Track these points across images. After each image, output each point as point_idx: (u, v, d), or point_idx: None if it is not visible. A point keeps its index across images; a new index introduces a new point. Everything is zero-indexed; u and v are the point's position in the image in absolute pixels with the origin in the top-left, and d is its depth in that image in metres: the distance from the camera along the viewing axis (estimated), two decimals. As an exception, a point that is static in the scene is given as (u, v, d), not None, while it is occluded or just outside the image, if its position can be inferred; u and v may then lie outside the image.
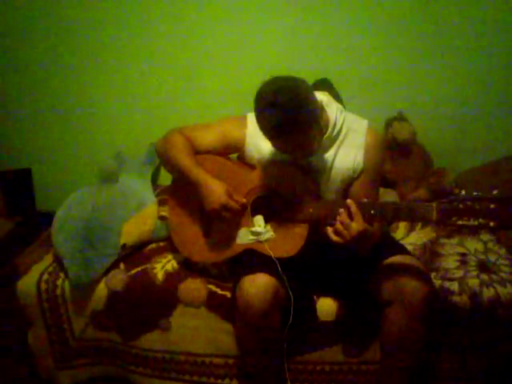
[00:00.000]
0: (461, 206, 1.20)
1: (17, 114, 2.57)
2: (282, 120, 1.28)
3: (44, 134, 2.57)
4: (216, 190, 1.48)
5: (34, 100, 2.52)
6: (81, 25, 2.37)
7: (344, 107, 1.58)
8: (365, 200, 1.35)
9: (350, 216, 1.31)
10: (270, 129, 1.33)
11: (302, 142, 1.36)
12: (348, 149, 1.50)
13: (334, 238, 1.33)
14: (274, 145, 1.42)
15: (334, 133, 1.48)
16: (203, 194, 1.50)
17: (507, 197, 1.17)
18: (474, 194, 1.20)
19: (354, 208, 1.31)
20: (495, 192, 1.18)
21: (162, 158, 1.64)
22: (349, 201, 1.33)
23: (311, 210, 1.45)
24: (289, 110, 1.28)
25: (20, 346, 1.80)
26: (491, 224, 1.18)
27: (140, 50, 2.37)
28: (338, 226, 1.32)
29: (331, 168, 1.50)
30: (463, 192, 1.21)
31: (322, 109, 1.43)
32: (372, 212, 1.33)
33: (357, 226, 1.30)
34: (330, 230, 1.33)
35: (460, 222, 1.20)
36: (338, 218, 1.32)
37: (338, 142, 1.50)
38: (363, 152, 1.49)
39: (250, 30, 2.30)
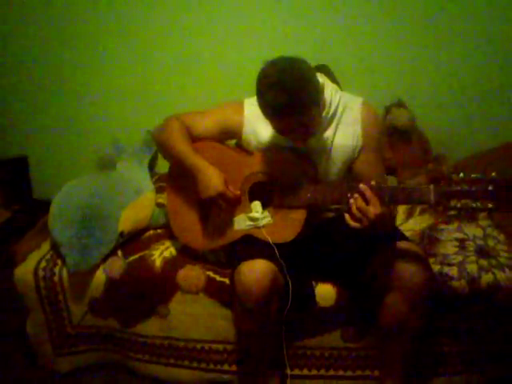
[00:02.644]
0: (459, 188, 1.20)
1: (12, 102, 2.56)
2: (285, 101, 1.27)
3: (40, 122, 2.56)
4: (213, 178, 1.47)
5: (30, 88, 2.51)
6: (76, 13, 2.35)
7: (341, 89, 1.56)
8: (373, 182, 1.32)
9: (366, 200, 1.30)
10: (272, 109, 1.31)
11: (303, 124, 1.35)
12: (346, 127, 1.49)
13: (353, 223, 1.31)
14: (274, 126, 1.41)
15: (331, 112, 1.47)
16: (200, 181, 1.49)
17: (505, 178, 1.16)
18: (472, 176, 1.19)
19: (369, 192, 1.29)
20: (493, 174, 1.17)
21: (159, 145, 1.63)
22: (362, 185, 1.30)
23: (309, 195, 1.44)
24: (293, 91, 1.27)
25: (18, 333, 1.80)
26: (490, 205, 1.17)
27: (136, 37, 2.36)
28: (355, 211, 1.30)
29: (331, 148, 1.49)
30: (461, 174, 1.21)
31: (322, 90, 1.42)
32: None
33: (374, 209, 1.28)
34: (347, 216, 1.31)
35: (458, 205, 1.20)
36: (354, 203, 1.30)
37: (335, 122, 1.49)
38: (360, 128, 1.48)
39: (247, 14, 2.28)
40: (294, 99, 1.28)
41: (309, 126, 1.38)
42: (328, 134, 1.48)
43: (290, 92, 1.27)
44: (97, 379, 1.76)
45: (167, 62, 2.37)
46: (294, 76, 1.28)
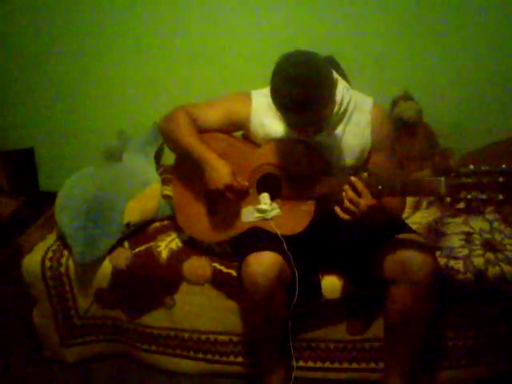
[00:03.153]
0: (469, 179, 1.19)
1: (19, 93, 2.55)
2: (301, 97, 1.26)
3: (46, 113, 2.56)
4: (220, 170, 1.47)
5: (36, 79, 2.50)
6: (82, 4, 2.34)
7: (349, 83, 1.56)
8: (365, 175, 1.33)
9: (357, 193, 1.30)
10: (288, 105, 1.30)
11: (316, 119, 1.35)
12: (355, 127, 1.49)
13: (344, 216, 1.31)
14: (286, 120, 1.40)
15: (341, 110, 1.47)
16: (207, 172, 1.49)
17: None
18: (482, 168, 1.19)
19: (359, 185, 1.30)
20: (504, 166, 1.17)
21: (166, 136, 1.63)
22: (353, 178, 1.31)
23: (317, 187, 1.44)
24: (309, 87, 1.26)
25: (26, 323, 1.81)
26: (500, 197, 1.16)
27: (142, 30, 2.35)
28: (347, 203, 1.30)
29: (340, 146, 1.49)
30: (471, 166, 1.20)
31: (336, 86, 1.41)
32: (379, 187, 1.31)
33: (365, 201, 1.29)
34: (338, 208, 1.32)
35: (469, 196, 1.19)
36: (345, 195, 1.31)
37: (344, 120, 1.48)
38: (370, 130, 1.48)
39: (254, 9, 2.27)
40: (310, 95, 1.27)
41: (321, 121, 1.37)
42: (337, 132, 1.48)
43: (306, 88, 1.26)
44: (103, 369, 1.77)
45: (174, 53, 2.36)
46: (310, 72, 1.27)
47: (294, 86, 1.26)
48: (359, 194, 1.30)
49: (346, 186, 1.31)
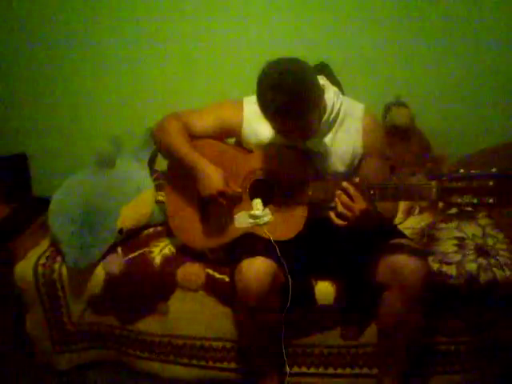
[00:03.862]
0: (460, 184, 1.20)
1: (11, 98, 2.55)
2: (286, 102, 1.27)
3: (39, 118, 2.55)
4: (213, 176, 1.48)
5: (29, 85, 2.50)
6: (77, 9, 2.34)
7: (343, 92, 1.57)
8: (357, 180, 1.34)
9: (350, 198, 1.31)
10: (272, 110, 1.31)
11: (302, 125, 1.35)
12: (346, 134, 1.50)
13: (337, 221, 1.32)
14: (273, 126, 1.41)
15: (332, 117, 1.48)
16: (200, 179, 1.49)
17: (506, 174, 1.17)
18: (472, 171, 1.20)
19: (352, 189, 1.31)
20: (493, 169, 1.18)
21: (158, 143, 1.63)
22: (345, 183, 1.32)
23: (310, 193, 1.45)
24: (294, 93, 1.27)
25: (18, 330, 1.80)
26: (490, 201, 1.17)
27: (137, 35, 2.35)
28: (340, 208, 1.31)
29: (331, 152, 1.49)
30: (462, 170, 1.21)
31: (323, 92, 1.42)
32: (371, 192, 1.32)
33: (358, 206, 1.29)
34: (332, 213, 1.32)
35: (459, 200, 1.20)
36: (338, 200, 1.31)
37: (335, 127, 1.49)
38: (361, 137, 1.49)
39: (246, 14, 2.28)
40: (295, 101, 1.28)
41: (308, 127, 1.38)
42: (327, 138, 1.49)
43: (290, 94, 1.27)
44: (96, 376, 1.77)
45: (167, 60, 2.36)
46: (294, 77, 1.28)
47: (278, 93, 1.27)
48: (352, 199, 1.30)
49: (339, 192, 1.31)
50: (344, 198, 1.30)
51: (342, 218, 1.31)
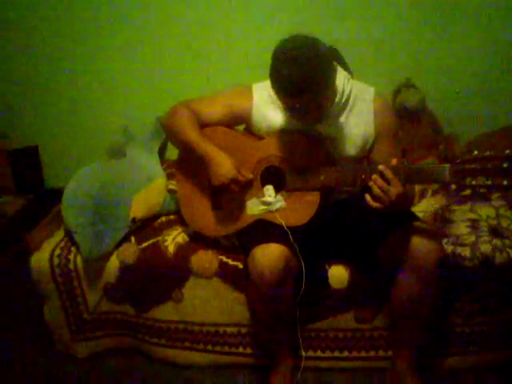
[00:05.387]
0: (473, 166, 1.19)
1: (22, 92, 2.56)
2: (302, 77, 1.26)
3: (50, 111, 2.57)
4: (224, 164, 1.47)
5: (40, 77, 2.51)
6: (84, 2, 2.34)
7: (352, 75, 1.55)
8: (394, 162, 1.32)
9: (387, 181, 1.30)
10: (287, 85, 1.30)
11: (316, 104, 1.34)
12: (357, 117, 1.48)
13: (374, 204, 1.31)
14: (285, 105, 1.40)
15: (343, 101, 1.46)
16: (211, 167, 1.49)
17: None
18: (486, 153, 1.18)
19: (388, 172, 1.29)
20: (508, 151, 1.16)
21: (168, 132, 1.63)
22: (381, 166, 1.30)
23: (322, 178, 1.44)
24: (311, 67, 1.27)
25: (36, 319, 1.83)
26: (504, 182, 1.16)
27: (145, 24, 2.35)
28: (377, 191, 1.30)
29: (342, 136, 1.48)
30: (475, 152, 1.20)
31: (335, 72, 1.41)
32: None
33: (395, 189, 1.29)
34: (368, 196, 1.32)
35: (474, 182, 1.19)
36: (375, 183, 1.30)
37: (346, 111, 1.48)
38: (373, 120, 1.48)
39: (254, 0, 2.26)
40: (311, 75, 1.27)
41: (321, 107, 1.37)
42: (339, 122, 1.48)
43: (306, 68, 1.26)
44: (113, 364, 1.79)
45: (177, 48, 2.36)
46: (310, 52, 1.28)
47: (293, 67, 1.26)
48: (388, 182, 1.30)
49: (375, 176, 1.30)
50: (381, 181, 1.30)
51: (378, 200, 1.31)
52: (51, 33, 2.41)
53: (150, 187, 1.84)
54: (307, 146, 1.47)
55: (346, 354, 1.68)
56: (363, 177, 1.34)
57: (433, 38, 2.25)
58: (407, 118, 2.17)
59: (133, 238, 1.74)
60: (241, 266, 1.60)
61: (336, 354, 1.68)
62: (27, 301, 1.97)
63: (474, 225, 1.69)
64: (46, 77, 2.50)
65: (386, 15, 2.23)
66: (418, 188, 1.91)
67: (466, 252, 1.57)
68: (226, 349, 1.72)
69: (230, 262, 1.63)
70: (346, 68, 1.56)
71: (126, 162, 1.91)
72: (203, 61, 2.35)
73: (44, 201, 2.40)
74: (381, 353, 1.66)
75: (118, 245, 1.71)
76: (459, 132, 2.23)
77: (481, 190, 1.19)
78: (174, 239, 1.72)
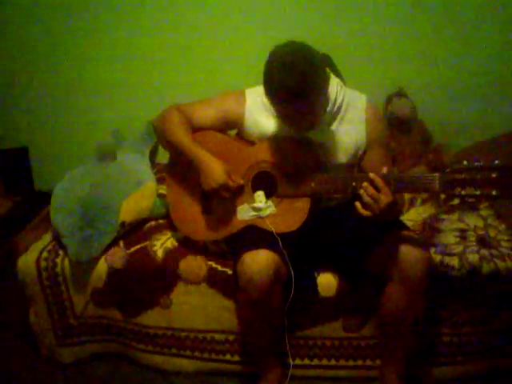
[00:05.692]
0: (463, 176, 1.20)
1: (12, 92, 2.54)
2: (296, 82, 1.27)
3: (40, 112, 2.55)
4: (215, 169, 1.47)
5: (30, 78, 2.49)
6: (76, 5, 2.34)
7: (344, 82, 1.56)
8: (384, 170, 1.33)
9: (377, 189, 1.30)
10: (281, 91, 1.30)
11: (308, 110, 1.34)
12: (349, 125, 1.49)
13: (364, 212, 1.31)
14: (278, 112, 1.40)
15: (335, 108, 1.47)
16: (202, 172, 1.49)
17: (509, 165, 1.17)
18: (476, 163, 1.20)
19: (379, 181, 1.30)
20: (496, 162, 1.17)
21: (160, 136, 1.63)
22: (372, 174, 1.31)
23: (313, 184, 1.44)
24: (304, 73, 1.27)
25: (21, 323, 1.81)
26: (493, 193, 1.17)
27: (138, 26, 2.34)
28: (367, 199, 1.30)
29: (334, 144, 1.49)
30: (465, 162, 1.21)
31: (328, 79, 1.41)
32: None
33: (386, 198, 1.29)
34: (358, 204, 1.32)
35: (463, 192, 1.20)
36: (365, 191, 1.31)
37: (338, 118, 1.49)
38: (364, 128, 1.49)
39: (248, 5, 2.26)
40: (304, 82, 1.27)
41: (313, 114, 1.37)
42: (331, 129, 1.48)
43: (300, 74, 1.27)
44: (100, 369, 1.77)
45: (168, 52, 2.36)
46: (305, 59, 1.28)
47: (288, 73, 1.27)
48: (379, 190, 1.30)
49: (366, 183, 1.31)
50: (371, 189, 1.30)
51: (368, 208, 1.31)
52: (42, 35, 2.40)
53: (139, 191, 1.83)
54: (298, 153, 1.47)
55: (333, 362, 1.68)
56: (354, 184, 1.35)
57: (425, 47, 2.27)
58: (398, 127, 2.18)
59: (121, 243, 1.73)
60: (230, 272, 1.59)
61: (324, 362, 1.68)
62: (13, 304, 1.95)
63: (463, 234, 1.70)
64: (36, 79, 2.49)
65: (379, 25, 2.24)
66: (407, 196, 1.92)
67: (453, 262, 1.58)
68: (214, 356, 1.71)
69: (219, 268, 1.62)
70: (338, 75, 1.57)
71: (116, 166, 1.90)
72: (195, 65, 2.35)
73: (33, 203, 2.38)
74: (368, 362, 1.66)
75: (107, 249, 1.70)
76: (451, 142, 2.25)
77: (470, 200, 1.19)
78: (162, 244, 1.71)
